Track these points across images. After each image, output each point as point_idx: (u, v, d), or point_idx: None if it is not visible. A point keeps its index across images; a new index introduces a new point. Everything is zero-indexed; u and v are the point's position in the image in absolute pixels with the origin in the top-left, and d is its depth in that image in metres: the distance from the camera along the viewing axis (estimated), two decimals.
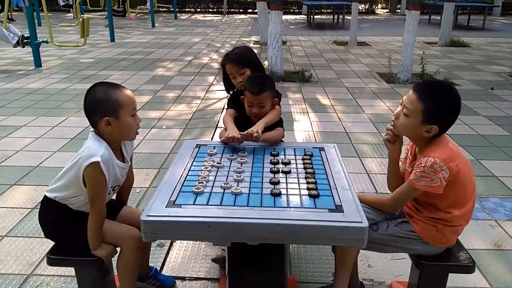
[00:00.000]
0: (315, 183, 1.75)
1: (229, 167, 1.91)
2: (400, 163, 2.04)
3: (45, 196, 1.89)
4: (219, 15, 20.84)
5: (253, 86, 2.24)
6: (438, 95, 1.76)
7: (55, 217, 1.88)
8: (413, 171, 1.77)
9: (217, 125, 4.71)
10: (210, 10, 22.38)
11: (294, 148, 2.14)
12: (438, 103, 1.74)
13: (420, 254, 1.88)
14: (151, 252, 2.25)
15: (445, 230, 1.83)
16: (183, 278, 2.36)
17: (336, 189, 1.71)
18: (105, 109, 1.77)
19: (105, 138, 1.81)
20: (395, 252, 1.99)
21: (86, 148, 1.78)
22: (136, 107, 1.87)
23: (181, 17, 19.66)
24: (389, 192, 2.01)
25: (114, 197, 2.09)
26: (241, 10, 22.22)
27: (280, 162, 1.96)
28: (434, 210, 1.82)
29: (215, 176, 1.82)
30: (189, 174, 1.84)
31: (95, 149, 1.75)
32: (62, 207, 1.85)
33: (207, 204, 1.60)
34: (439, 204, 1.80)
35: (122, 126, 1.80)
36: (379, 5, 23.85)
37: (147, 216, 1.51)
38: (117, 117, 1.78)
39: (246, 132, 2.12)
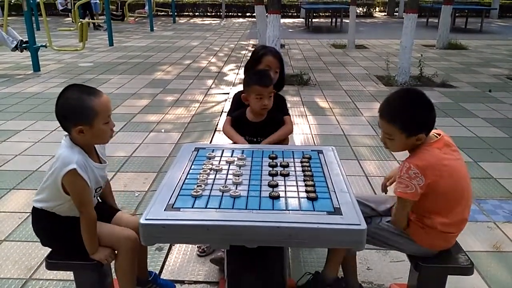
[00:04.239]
0: (314, 185, 1.75)
1: (228, 170, 1.91)
2: None
3: (33, 206, 1.88)
4: (218, 19, 20.89)
5: (264, 79, 2.39)
6: (400, 109, 1.76)
7: (46, 226, 1.87)
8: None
9: (215, 128, 4.72)
10: (208, 14, 22.43)
11: (293, 151, 2.14)
12: (406, 115, 1.74)
13: (414, 255, 1.88)
14: (150, 256, 2.25)
15: (432, 233, 1.81)
16: (182, 282, 2.35)
17: (335, 191, 1.71)
18: (78, 117, 1.71)
19: (78, 143, 1.77)
20: (387, 249, 1.99)
21: (59, 157, 1.74)
22: (110, 113, 1.81)
23: (180, 21, 19.70)
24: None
25: (115, 200, 2.10)
26: (239, 14, 22.27)
27: (278, 165, 1.96)
28: (419, 213, 1.82)
29: (214, 179, 1.82)
30: (187, 177, 1.84)
31: (68, 156, 1.71)
32: (51, 215, 1.84)
33: (205, 207, 1.60)
34: (419, 209, 1.80)
35: (95, 134, 1.76)
36: (377, 9, 23.93)
37: (146, 219, 1.51)
38: (91, 126, 1.72)
39: None
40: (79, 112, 1.71)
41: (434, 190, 1.71)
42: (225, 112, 2.64)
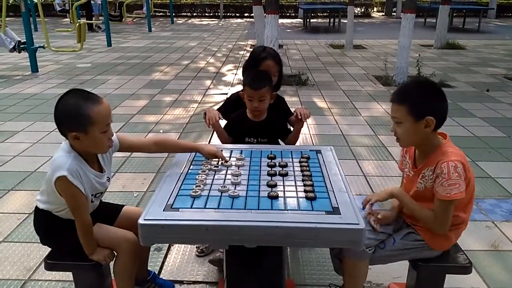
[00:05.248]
0: (312, 185, 1.75)
1: (226, 170, 1.92)
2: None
3: (36, 205, 1.88)
4: (216, 19, 20.88)
5: (253, 82, 2.32)
6: (412, 91, 1.81)
7: (47, 225, 1.87)
8: (438, 185, 1.70)
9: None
10: (206, 14, 22.42)
11: (291, 151, 2.15)
12: (416, 97, 1.76)
13: (422, 258, 1.88)
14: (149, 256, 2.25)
15: (451, 233, 1.83)
16: (181, 282, 2.36)
17: (333, 191, 1.72)
18: (74, 124, 1.67)
19: (75, 149, 1.75)
20: (402, 261, 1.98)
21: (54, 160, 1.73)
22: (109, 122, 1.75)
23: (178, 21, 19.69)
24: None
25: (114, 201, 2.09)
26: (237, 14, 22.27)
27: (277, 165, 1.96)
28: None
29: (213, 180, 1.82)
30: (186, 177, 1.84)
31: (61, 161, 1.70)
32: (52, 216, 1.84)
33: (204, 208, 1.60)
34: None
35: (91, 142, 1.72)
36: (375, 9, 23.95)
37: (145, 220, 1.51)
38: (86, 133, 1.68)
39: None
40: (74, 118, 1.68)
41: (467, 184, 1.72)
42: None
